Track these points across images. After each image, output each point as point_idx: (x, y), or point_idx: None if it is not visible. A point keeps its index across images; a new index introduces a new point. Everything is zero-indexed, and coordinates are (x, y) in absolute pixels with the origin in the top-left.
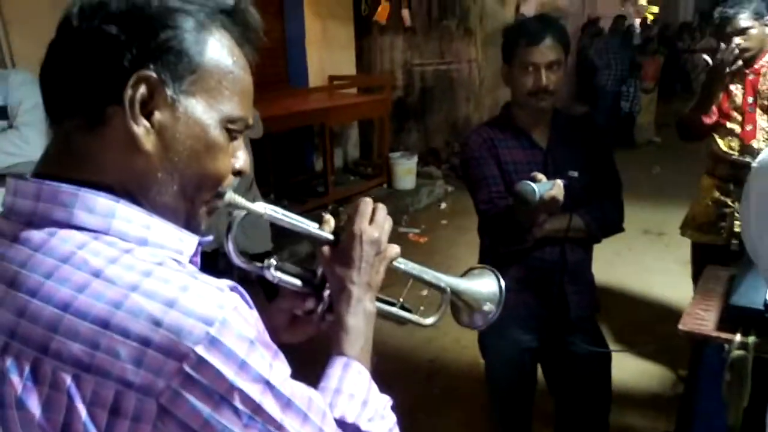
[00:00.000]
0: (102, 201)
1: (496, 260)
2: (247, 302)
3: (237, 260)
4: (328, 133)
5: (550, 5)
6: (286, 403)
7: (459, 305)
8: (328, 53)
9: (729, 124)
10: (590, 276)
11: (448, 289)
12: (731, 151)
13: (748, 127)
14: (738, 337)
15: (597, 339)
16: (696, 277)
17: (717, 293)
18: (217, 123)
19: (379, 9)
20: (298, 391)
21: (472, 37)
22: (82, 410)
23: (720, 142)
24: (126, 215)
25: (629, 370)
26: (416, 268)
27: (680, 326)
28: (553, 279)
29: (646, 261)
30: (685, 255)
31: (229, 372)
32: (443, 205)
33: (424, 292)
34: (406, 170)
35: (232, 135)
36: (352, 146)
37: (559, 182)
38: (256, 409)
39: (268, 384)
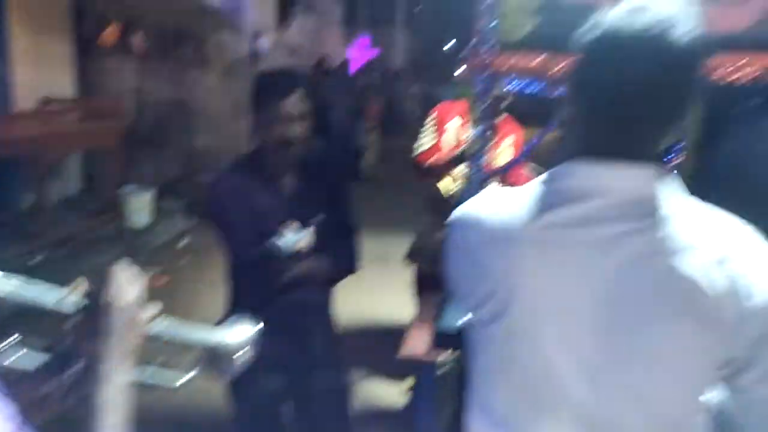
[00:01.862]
0: None
1: (245, 305)
2: None
3: None
4: (42, 165)
5: (284, 42)
6: None
7: (213, 356)
8: (40, 73)
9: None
10: (333, 313)
11: (204, 344)
12: (451, 191)
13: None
14: (445, 356)
15: (342, 371)
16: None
17: (429, 318)
18: None
19: (106, 31)
20: None
21: (210, 67)
22: None
23: (441, 182)
24: None
25: (368, 390)
26: (169, 327)
27: (400, 353)
28: (299, 320)
29: (375, 287)
30: (409, 280)
31: None
32: (184, 241)
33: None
34: (139, 205)
35: None
36: (74, 179)
37: (309, 231)
38: None
39: None
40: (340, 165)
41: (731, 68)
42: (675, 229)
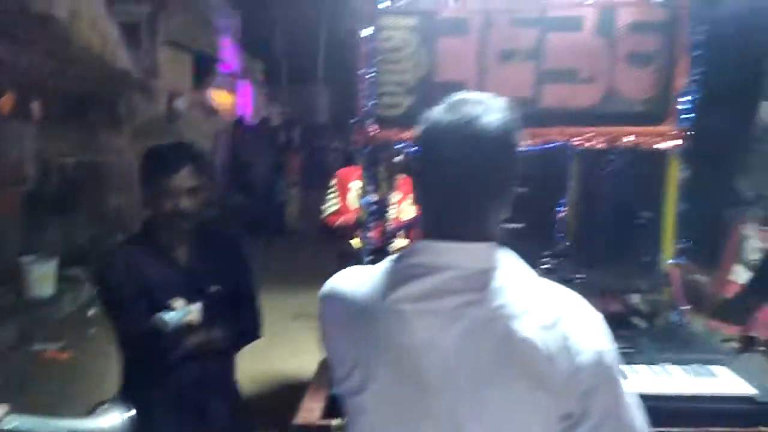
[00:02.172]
0: None
1: (139, 380)
2: None
3: None
4: None
5: (202, 102)
6: None
7: None
8: None
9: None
10: (234, 382)
11: None
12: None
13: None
14: (336, 422)
15: None
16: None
17: (325, 384)
18: None
19: (1, 100)
20: None
21: (121, 128)
22: None
23: (354, 239)
24: None
25: None
26: (28, 424)
27: (294, 421)
28: (197, 393)
29: (298, 344)
30: None
31: None
32: (92, 312)
33: None
34: (42, 275)
35: None
36: None
37: (195, 307)
38: None
39: None
40: (262, 219)
41: (583, 138)
42: (511, 297)
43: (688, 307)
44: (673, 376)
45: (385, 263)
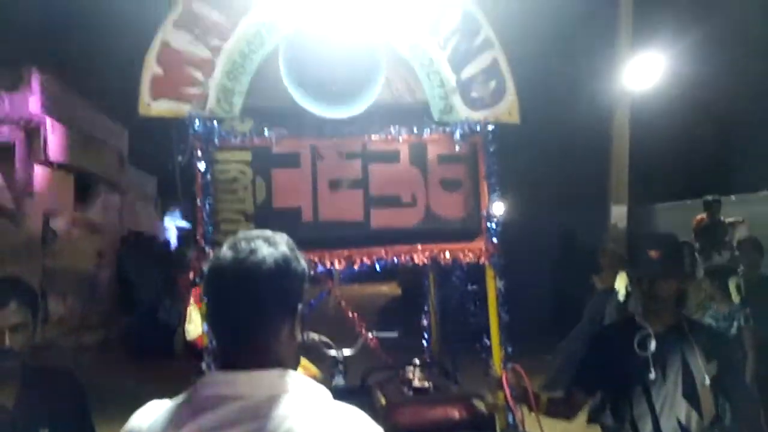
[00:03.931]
0: None
1: None
2: None
3: None
4: None
5: (84, 221)
6: None
7: None
8: None
9: None
10: None
11: None
12: None
13: None
14: None
15: None
16: None
17: None
18: None
19: None
20: None
21: None
22: None
23: None
24: None
25: None
26: None
27: None
28: None
29: None
30: None
31: None
32: None
33: None
34: None
35: None
36: None
37: None
38: None
39: None
40: (149, 343)
41: (408, 255)
42: (296, 421)
43: (518, 409)
44: None
45: (183, 396)
